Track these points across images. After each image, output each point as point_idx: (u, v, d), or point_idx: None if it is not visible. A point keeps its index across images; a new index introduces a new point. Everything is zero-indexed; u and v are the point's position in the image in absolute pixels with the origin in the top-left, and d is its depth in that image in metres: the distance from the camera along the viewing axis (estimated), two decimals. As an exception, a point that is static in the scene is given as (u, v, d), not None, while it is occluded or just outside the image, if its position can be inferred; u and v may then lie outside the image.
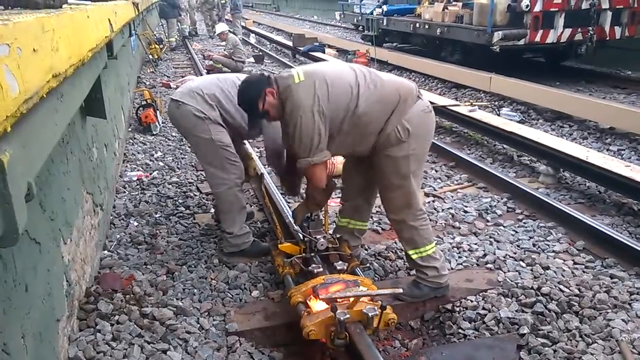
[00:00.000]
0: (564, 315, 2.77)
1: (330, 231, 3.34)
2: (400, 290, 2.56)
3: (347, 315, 2.40)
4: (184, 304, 2.88)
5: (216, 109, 3.23)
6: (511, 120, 6.86)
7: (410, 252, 2.95)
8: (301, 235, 3.10)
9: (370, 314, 2.45)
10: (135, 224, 4.00)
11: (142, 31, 12.18)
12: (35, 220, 2.00)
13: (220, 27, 10.97)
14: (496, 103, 7.53)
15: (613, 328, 2.61)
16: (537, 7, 7.97)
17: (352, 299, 2.53)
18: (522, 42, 8.21)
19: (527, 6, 7.95)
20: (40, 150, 1.44)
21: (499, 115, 6.49)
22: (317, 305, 2.61)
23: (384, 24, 11.89)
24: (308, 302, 2.64)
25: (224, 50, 10.74)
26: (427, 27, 10.07)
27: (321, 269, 2.86)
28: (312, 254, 3.03)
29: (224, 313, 2.86)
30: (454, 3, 9.97)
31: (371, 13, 12.42)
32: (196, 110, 3.21)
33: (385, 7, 11.96)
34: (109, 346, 2.42)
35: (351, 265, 3.01)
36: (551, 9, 8.05)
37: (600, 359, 2.42)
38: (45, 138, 1.52)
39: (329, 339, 2.48)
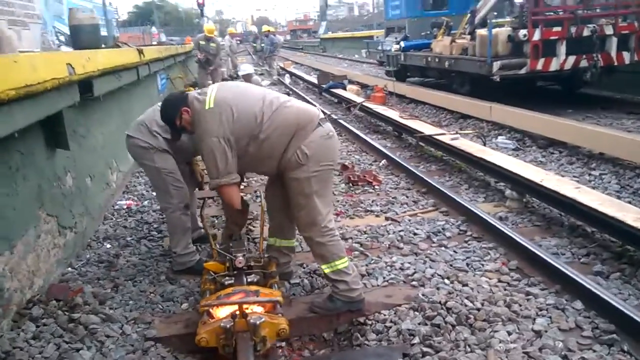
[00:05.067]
0: (458, 327, 2.88)
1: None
2: (278, 299, 2.76)
3: (231, 323, 2.62)
4: (115, 312, 3.20)
5: (159, 137, 3.59)
6: (506, 147, 6.95)
7: (322, 267, 3.15)
8: (218, 254, 3.37)
9: (257, 323, 2.66)
10: (108, 245, 4.39)
11: (175, 75, 13.07)
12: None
13: (246, 69, 11.60)
14: (484, 131, 7.61)
15: (494, 339, 2.70)
16: (536, 36, 8.03)
17: (249, 308, 2.78)
18: (523, 70, 8.26)
19: (524, 35, 8.05)
20: None
21: (484, 143, 6.56)
22: (221, 313, 2.86)
23: (402, 59, 12.19)
24: (211, 310, 2.89)
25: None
26: (437, 60, 10.30)
27: (231, 281, 3.11)
28: (234, 271, 3.27)
29: (149, 322, 3.15)
30: (462, 36, 10.16)
31: (390, 49, 12.78)
32: (141, 141, 3.59)
33: (402, 43, 12.27)
34: (28, 343, 2.76)
35: (270, 282, 3.24)
36: (551, 37, 8.09)
37: (468, 366, 2.52)
38: None
39: (220, 346, 2.70)
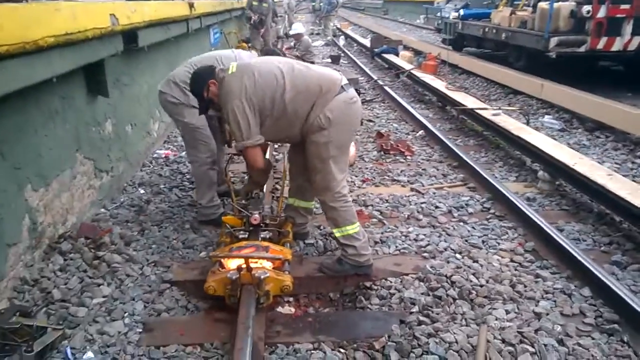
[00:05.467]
0: (458, 301, 2.92)
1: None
2: (282, 257, 2.89)
3: (237, 276, 2.77)
4: (138, 254, 3.42)
5: (188, 94, 3.70)
6: (551, 127, 6.73)
7: (334, 231, 3.24)
8: (238, 210, 3.50)
9: (261, 277, 2.79)
10: (142, 191, 4.63)
11: (229, 29, 13.18)
12: (-13, 163, 2.62)
13: (297, 28, 11.58)
14: (532, 109, 7.38)
15: (491, 316, 2.73)
16: (601, 13, 7.61)
17: (257, 262, 2.92)
18: (582, 48, 7.87)
19: (588, 12, 7.63)
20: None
21: (527, 121, 6.37)
22: (231, 265, 3.01)
23: (460, 27, 11.83)
24: (223, 261, 3.05)
25: (296, 51, 11.34)
26: (494, 31, 9.94)
27: (245, 235, 3.25)
28: (250, 227, 3.41)
29: (168, 266, 3.35)
30: (525, 8, 9.73)
31: (449, 17, 12.40)
32: (171, 97, 3.72)
33: (462, 11, 11.87)
34: (55, 274, 3.02)
35: (282, 241, 3.37)
36: (617, 15, 7.64)
37: (459, 338, 2.57)
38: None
39: (226, 296, 2.86)
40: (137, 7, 4.49)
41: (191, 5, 6.82)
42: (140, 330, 2.74)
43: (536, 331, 2.67)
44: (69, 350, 2.46)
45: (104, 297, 2.95)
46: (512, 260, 3.45)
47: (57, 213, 3.40)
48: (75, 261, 3.16)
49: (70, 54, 3.22)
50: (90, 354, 2.46)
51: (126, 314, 2.84)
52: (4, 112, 2.79)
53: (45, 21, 2.77)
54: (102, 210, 4.13)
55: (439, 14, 13.84)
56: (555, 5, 8.19)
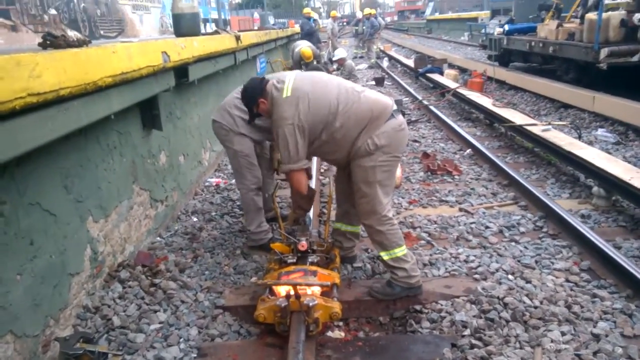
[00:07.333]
0: (511, 323, 2.86)
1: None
2: (329, 283, 2.91)
3: (286, 304, 2.82)
4: (191, 281, 3.53)
5: (237, 119, 3.83)
6: (605, 140, 6.52)
7: (381, 254, 3.25)
8: (286, 237, 3.57)
9: (310, 304, 2.83)
10: (195, 219, 4.79)
11: (275, 58, 13.53)
12: (53, 198, 2.80)
13: (339, 53, 11.77)
14: (584, 123, 7.17)
15: (546, 338, 2.66)
16: (653, 21, 7.37)
17: (305, 289, 2.97)
18: (636, 58, 7.61)
19: (639, 20, 7.40)
20: (14, 144, 2.19)
21: (579, 136, 6.19)
22: (282, 291, 3.07)
23: (505, 43, 11.69)
24: (274, 288, 3.11)
25: (340, 75, 11.48)
26: (541, 45, 9.77)
27: (294, 260, 3.31)
28: (298, 253, 3.46)
29: (221, 291, 3.45)
30: (572, 20, 9.54)
31: (493, 33, 12.29)
32: (222, 125, 3.87)
33: (506, 27, 11.74)
34: (114, 302, 3.15)
35: (331, 266, 3.40)
36: (672, 22, 7.38)
37: (512, 362, 2.52)
38: (26, 137, 2.27)
39: (276, 323, 2.91)
40: (187, 44, 4.70)
41: (238, 38, 7.06)
42: (195, 355, 2.83)
43: (595, 353, 2.58)
44: (128, 375, 2.57)
45: (160, 323, 3.06)
46: (567, 280, 3.35)
47: (116, 242, 3.57)
48: (134, 288, 3.30)
49: (126, 91, 3.41)
50: (148, 379, 2.56)
51: (181, 339, 2.94)
52: (67, 149, 2.98)
53: (103, 63, 2.96)
54: (158, 238, 4.29)
55: (483, 31, 13.71)
56: (604, 15, 7.99)
